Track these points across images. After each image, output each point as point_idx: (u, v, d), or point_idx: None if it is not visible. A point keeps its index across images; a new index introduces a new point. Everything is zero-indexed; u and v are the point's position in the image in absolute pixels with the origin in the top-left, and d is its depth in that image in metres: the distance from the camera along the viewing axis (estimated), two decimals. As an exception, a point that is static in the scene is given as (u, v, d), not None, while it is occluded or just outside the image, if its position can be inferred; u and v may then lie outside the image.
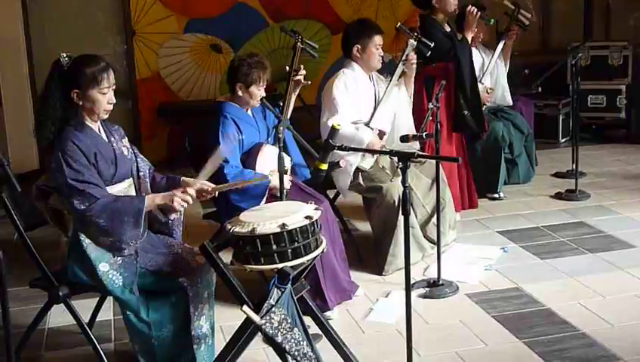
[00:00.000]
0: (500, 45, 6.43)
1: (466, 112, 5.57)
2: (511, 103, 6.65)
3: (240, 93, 4.26)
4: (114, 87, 3.36)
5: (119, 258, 3.30)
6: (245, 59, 4.25)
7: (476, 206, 5.89)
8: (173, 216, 3.40)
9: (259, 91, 4.24)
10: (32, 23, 7.24)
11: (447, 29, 5.66)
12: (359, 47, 4.84)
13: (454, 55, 5.47)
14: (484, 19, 5.87)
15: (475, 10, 5.63)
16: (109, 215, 3.21)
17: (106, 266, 3.28)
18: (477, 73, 6.29)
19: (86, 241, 3.27)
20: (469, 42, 5.67)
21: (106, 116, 3.38)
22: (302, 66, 4.43)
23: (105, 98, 3.32)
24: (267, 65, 4.27)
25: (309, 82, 4.48)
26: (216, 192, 3.49)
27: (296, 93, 4.50)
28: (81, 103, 3.30)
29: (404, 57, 4.89)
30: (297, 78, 4.39)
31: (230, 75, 4.30)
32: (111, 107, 3.37)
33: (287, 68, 4.41)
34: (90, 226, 3.25)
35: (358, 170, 4.78)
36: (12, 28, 7.00)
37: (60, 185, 3.25)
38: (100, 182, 3.28)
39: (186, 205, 3.35)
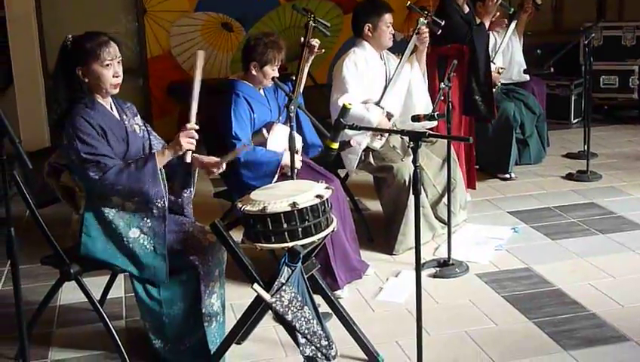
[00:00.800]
0: (513, 24, 6.40)
1: (477, 97, 5.56)
2: (528, 79, 6.63)
3: (254, 72, 4.25)
4: (119, 59, 3.34)
5: (149, 221, 3.30)
6: (261, 39, 4.24)
7: (474, 188, 5.88)
8: (185, 144, 3.35)
9: (273, 71, 4.23)
10: (44, 2, 7.24)
11: (466, 9, 5.62)
12: (370, 26, 4.82)
13: (470, 40, 5.44)
14: (505, 7, 5.82)
15: None
16: (124, 179, 3.22)
17: (137, 232, 3.29)
18: (489, 53, 6.27)
19: (111, 213, 3.28)
20: (487, 28, 5.64)
21: (115, 91, 3.37)
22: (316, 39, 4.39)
23: (109, 72, 3.30)
24: (283, 46, 4.26)
25: (323, 50, 4.45)
26: (224, 165, 3.48)
27: (310, 63, 4.45)
28: (86, 80, 3.30)
29: (416, 31, 4.86)
30: (312, 42, 4.33)
31: (245, 54, 4.29)
32: (118, 81, 3.35)
33: (302, 39, 4.37)
34: (111, 194, 3.26)
35: (368, 149, 4.78)
36: (23, 6, 7.00)
37: (73, 160, 3.26)
38: (113, 153, 3.29)
39: (194, 141, 3.34)
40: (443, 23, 5.00)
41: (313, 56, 4.39)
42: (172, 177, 3.48)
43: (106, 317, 3.48)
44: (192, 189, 3.56)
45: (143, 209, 3.29)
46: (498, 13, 6.37)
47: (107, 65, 3.29)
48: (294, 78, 4.30)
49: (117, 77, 3.34)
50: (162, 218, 3.31)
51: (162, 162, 3.33)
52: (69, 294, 4.11)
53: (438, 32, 5.04)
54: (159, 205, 3.29)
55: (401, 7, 5.72)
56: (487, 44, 5.64)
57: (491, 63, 6.19)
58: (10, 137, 2.54)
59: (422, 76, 5.04)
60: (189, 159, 3.39)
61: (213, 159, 3.46)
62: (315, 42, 4.32)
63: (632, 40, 8.07)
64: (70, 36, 3.35)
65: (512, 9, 5.96)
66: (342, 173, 5.00)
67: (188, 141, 3.33)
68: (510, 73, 6.57)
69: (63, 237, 3.54)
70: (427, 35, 4.88)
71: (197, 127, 3.36)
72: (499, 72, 6.24)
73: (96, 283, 3.87)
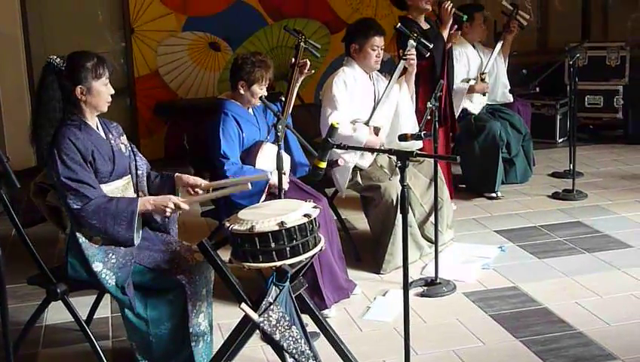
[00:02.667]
0: (499, 45, 6.44)
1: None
2: (512, 100, 6.67)
3: (242, 91, 4.27)
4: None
5: (113, 257, 3.30)
6: (249, 58, 4.26)
7: (451, 198, 5.91)
8: (168, 213, 3.39)
9: (261, 90, 4.24)
10: (31, 20, 7.23)
11: (426, 26, 5.61)
12: (356, 46, 4.85)
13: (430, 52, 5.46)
14: (458, 16, 5.79)
15: (450, 6, 5.59)
16: (102, 216, 3.23)
17: (99, 266, 3.28)
18: (475, 74, 6.31)
19: (82, 239, 3.29)
20: (445, 39, 5.64)
21: (106, 109, 3.39)
22: (306, 60, 4.41)
23: (107, 89, 3.34)
24: (270, 65, 4.28)
25: (313, 71, 4.46)
26: (211, 189, 3.49)
27: (299, 83, 4.47)
28: (85, 99, 3.31)
29: (404, 55, 4.90)
30: (303, 62, 4.36)
31: (233, 73, 4.30)
32: (110, 99, 3.39)
33: (293, 60, 4.40)
34: (84, 225, 3.27)
35: (356, 168, 4.79)
36: (10, 24, 6.99)
37: (54, 181, 3.26)
38: (95, 182, 3.29)
39: (176, 215, 3.40)
40: (432, 46, 5.03)
41: (303, 77, 4.42)
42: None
43: (92, 337, 3.47)
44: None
45: (110, 244, 3.30)
46: (484, 27, 6.43)
47: (106, 83, 3.32)
48: (283, 98, 4.32)
49: (111, 94, 3.37)
50: (131, 256, 3.31)
51: (143, 210, 3.34)
52: (56, 314, 4.08)
53: (427, 55, 5.07)
54: (127, 245, 3.30)
55: (388, 27, 5.76)
56: (445, 54, 5.63)
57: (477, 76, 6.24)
58: (-1, 157, 2.54)
59: (410, 98, 5.07)
60: (167, 213, 3.43)
61: (198, 180, 3.46)
62: (306, 61, 4.35)
63: (617, 60, 8.13)
64: (55, 57, 3.33)
65: (465, 16, 5.88)
66: (329, 191, 5.00)
67: (170, 213, 3.36)
68: (495, 94, 6.61)
69: (49, 257, 3.53)
70: (415, 58, 4.91)
71: (187, 209, 3.37)
72: (482, 79, 6.25)
73: (82, 303, 3.85)
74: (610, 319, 3.98)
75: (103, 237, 3.29)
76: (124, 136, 3.59)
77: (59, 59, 3.32)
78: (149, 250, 3.41)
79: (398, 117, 5.01)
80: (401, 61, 4.89)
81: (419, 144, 4.83)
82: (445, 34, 5.63)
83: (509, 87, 6.63)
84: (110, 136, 3.46)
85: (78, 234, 3.28)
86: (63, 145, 3.24)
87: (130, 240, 3.30)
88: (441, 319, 4.09)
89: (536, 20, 8.61)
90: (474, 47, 6.45)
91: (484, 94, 6.27)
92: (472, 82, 6.19)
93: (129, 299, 3.29)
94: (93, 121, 3.39)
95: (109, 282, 3.28)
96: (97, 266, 3.28)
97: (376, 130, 4.81)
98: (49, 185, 3.41)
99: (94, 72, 3.29)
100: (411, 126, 4.98)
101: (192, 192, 3.49)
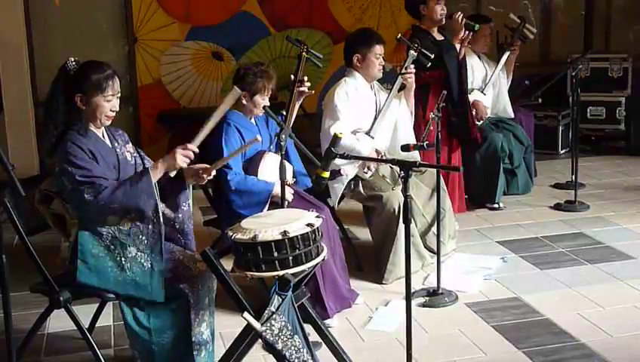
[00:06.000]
0: (504, 57, 6.44)
1: (453, 119, 5.62)
2: (512, 116, 6.68)
3: (244, 101, 4.28)
4: (119, 95, 3.39)
5: (144, 238, 3.29)
6: (251, 68, 4.27)
7: (463, 211, 5.96)
8: (179, 162, 3.36)
9: (263, 100, 4.26)
10: (35, 29, 7.25)
11: (440, 37, 5.67)
12: (359, 56, 4.87)
13: (442, 62, 5.48)
14: (470, 26, 5.79)
15: (461, 16, 5.63)
16: (120, 196, 3.23)
17: (133, 250, 3.29)
18: (480, 84, 6.33)
19: (109, 234, 3.28)
20: (457, 49, 5.68)
21: (107, 123, 3.41)
22: (306, 78, 4.44)
23: (108, 105, 3.34)
24: (273, 75, 4.29)
25: (313, 92, 4.49)
26: (214, 171, 3.49)
27: (300, 103, 4.51)
28: (83, 108, 3.32)
29: (403, 69, 4.93)
30: (302, 88, 4.40)
31: (235, 83, 4.31)
32: (113, 114, 3.39)
33: (292, 77, 4.42)
34: (107, 214, 3.26)
35: (358, 178, 4.80)
36: (15, 33, 7.00)
37: (66, 186, 3.27)
38: (107, 175, 3.30)
39: (188, 161, 3.37)
40: (432, 56, 5.04)
41: (304, 97, 4.44)
42: (168, 196, 3.48)
43: (94, 345, 3.48)
44: (189, 202, 3.55)
45: (139, 225, 3.30)
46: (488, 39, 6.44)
47: (108, 99, 3.32)
48: (284, 113, 4.34)
49: (113, 111, 3.38)
50: (158, 234, 3.31)
51: (156, 177, 3.34)
52: (58, 322, 4.08)
53: (428, 65, 5.09)
54: (155, 220, 3.30)
55: (391, 37, 5.79)
56: (459, 65, 5.67)
57: (482, 94, 6.25)
58: (4, 164, 2.55)
59: (409, 114, 5.08)
60: (172, 173, 3.41)
61: (203, 165, 3.47)
62: (306, 85, 4.37)
63: (619, 71, 8.15)
64: (73, 60, 3.36)
65: (477, 25, 5.88)
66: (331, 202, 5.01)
67: (183, 159, 3.35)
68: (497, 109, 6.61)
69: (51, 265, 3.53)
70: (413, 76, 4.93)
71: (197, 151, 3.37)
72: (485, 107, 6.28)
73: (85, 311, 3.85)
74: (613, 330, 3.98)
75: (131, 217, 3.28)
76: (130, 143, 3.60)
77: (74, 63, 3.35)
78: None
79: (397, 131, 5.03)
80: (398, 79, 4.91)
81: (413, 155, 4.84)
82: (457, 43, 5.66)
83: (509, 104, 6.64)
84: (116, 144, 3.48)
85: (103, 231, 3.27)
86: (69, 150, 3.26)
87: (155, 206, 3.28)
88: (442, 329, 4.09)
89: (538, 32, 8.62)
90: (479, 57, 6.46)
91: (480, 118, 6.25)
92: (475, 92, 6.21)
93: (162, 282, 3.27)
94: (98, 129, 3.41)
95: (145, 266, 3.27)
96: (132, 251, 3.28)
97: (378, 153, 4.82)
98: (54, 193, 3.42)
99: (97, 86, 3.30)
100: (408, 141, 4.98)
101: (200, 178, 3.48)
